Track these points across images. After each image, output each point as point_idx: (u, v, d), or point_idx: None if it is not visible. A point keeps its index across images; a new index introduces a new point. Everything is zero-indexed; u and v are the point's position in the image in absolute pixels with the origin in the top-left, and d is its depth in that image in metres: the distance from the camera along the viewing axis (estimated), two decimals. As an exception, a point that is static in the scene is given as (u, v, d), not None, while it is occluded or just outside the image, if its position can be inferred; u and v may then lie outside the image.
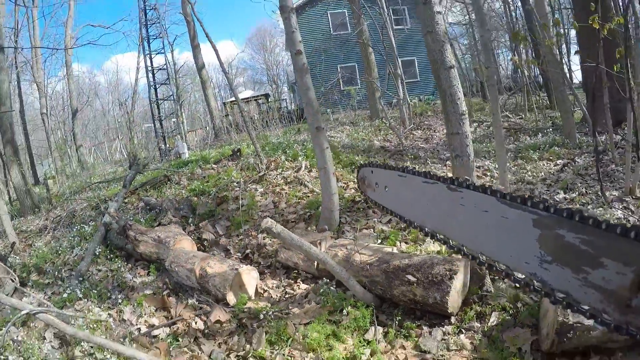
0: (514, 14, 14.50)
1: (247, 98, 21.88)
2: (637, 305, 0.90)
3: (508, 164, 5.35)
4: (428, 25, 2.37)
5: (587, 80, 7.96)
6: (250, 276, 3.12)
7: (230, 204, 4.94)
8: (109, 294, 3.38)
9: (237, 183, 5.36)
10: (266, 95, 25.22)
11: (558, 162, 5.71)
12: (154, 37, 15.34)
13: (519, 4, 12.95)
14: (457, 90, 2.45)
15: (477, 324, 2.27)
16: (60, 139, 18.35)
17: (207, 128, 16.39)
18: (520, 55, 13.66)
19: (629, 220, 3.50)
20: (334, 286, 2.77)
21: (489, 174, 5.62)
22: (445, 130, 9.11)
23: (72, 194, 7.80)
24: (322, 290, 2.74)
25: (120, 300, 3.17)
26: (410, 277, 2.36)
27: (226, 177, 5.71)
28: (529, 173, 5.40)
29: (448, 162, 6.23)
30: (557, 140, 6.74)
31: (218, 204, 5.04)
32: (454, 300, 2.26)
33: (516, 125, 9.04)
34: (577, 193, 4.45)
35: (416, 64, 18.96)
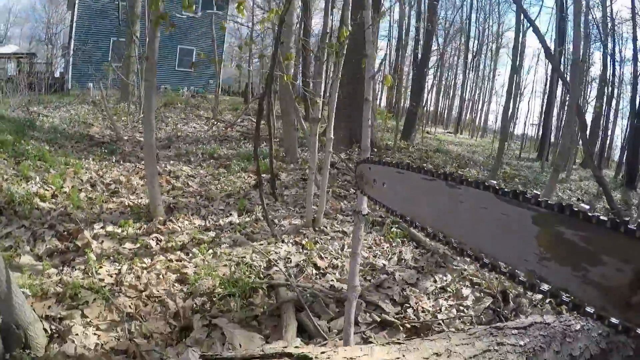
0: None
1: (8, 54, 16.95)
2: (637, 303, 0.90)
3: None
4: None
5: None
6: None
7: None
8: None
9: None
10: (32, 55, 19.75)
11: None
12: None
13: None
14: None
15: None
16: None
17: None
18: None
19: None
20: None
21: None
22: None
23: None
24: None
25: None
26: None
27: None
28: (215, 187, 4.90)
29: (141, 164, 5.40)
30: (265, 154, 5.10)
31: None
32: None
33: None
34: (252, 217, 3.97)
35: (194, 54, 18.06)
